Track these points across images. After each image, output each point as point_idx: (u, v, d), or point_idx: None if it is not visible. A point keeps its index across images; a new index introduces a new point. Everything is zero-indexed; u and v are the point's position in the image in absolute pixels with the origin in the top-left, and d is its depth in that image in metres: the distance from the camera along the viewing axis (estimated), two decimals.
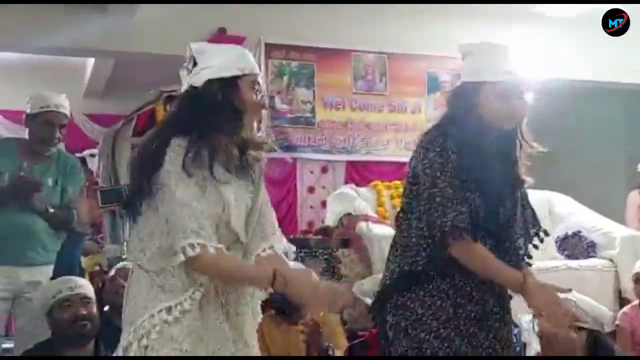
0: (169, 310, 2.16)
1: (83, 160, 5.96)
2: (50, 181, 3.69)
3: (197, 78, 2.25)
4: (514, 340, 3.72)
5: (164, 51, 5.53)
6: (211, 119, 2.22)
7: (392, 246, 2.53)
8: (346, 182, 5.86)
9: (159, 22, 5.51)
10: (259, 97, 2.31)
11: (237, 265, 2.26)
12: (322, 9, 5.88)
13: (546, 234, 2.55)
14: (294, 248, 2.52)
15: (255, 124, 2.33)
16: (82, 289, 3.34)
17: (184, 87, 2.30)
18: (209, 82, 2.23)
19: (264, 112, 2.38)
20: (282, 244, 2.40)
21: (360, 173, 6.11)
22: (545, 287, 2.37)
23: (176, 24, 5.55)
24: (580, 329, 2.83)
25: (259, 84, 2.32)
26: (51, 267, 3.75)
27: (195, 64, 2.27)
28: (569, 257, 5.55)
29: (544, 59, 6.17)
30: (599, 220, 5.77)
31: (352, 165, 6.12)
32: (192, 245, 2.08)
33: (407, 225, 2.45)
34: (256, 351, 2.38)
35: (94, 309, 3.30)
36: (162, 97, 5.27)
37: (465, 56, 2.50)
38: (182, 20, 5.58)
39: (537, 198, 6.10)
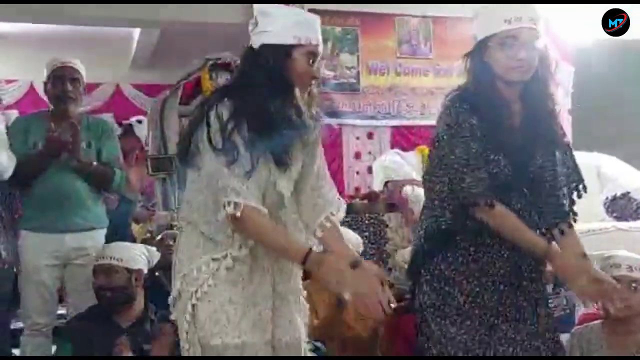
0: (217, 260, 2.20)
1: (130, 127, 6.04)
2: (83, 144, 3.68)
3: (256, 40, 2.24)
4: (564, 303, 3.69)
5: (207, 19, 5.55)
6: (260, 86, 2.20)
7: (423, 208, 2.55)
8: (392, 147, 5.83)
9: None
10: (313, 69, 2.26)
11: (275, 231, 2.22)
12: None
13: (585, 189, 2.47)
14: (344, 206, 2.48)
15: (305, 95, 2.31)
16: (106, 260, 3.35)
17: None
18: (264, 46, 2.21)
19: (314, 83, 2.34)
20: (342, 212, 2.39)
21: (406, 138, 6.09)
22: (571, 255, 2.34)
23: None
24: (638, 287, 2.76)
25: (315, 55, 2.26)
26: (97, 232, 3.77)
27: (256, 24, 2.24)
28: (618, 218, 5.44)
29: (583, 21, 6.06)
30: None
31: (397, 130, 6.10)
32: (231, 203, 2.09)
33: (430, 188, 2.44)
34: (300, 308, 2.41)
35: (119, 278, 3.28)
36: (207, 65, 5.32)
37: (475, 19, 2.45)
38: None
39: (585, 160, 5.93)
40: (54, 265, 3.66)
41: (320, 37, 2.29)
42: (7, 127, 3.89)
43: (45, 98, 4.00)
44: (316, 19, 2.30)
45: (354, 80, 6.12)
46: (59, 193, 3.61)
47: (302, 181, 2.36)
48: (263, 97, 2.19)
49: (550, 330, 2.48)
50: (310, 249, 2.15)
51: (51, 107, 3.84)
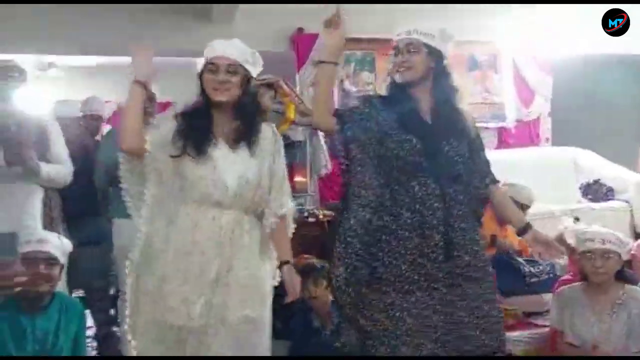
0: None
1: None
2: None
3: None
4: (548, 269, 3.64)
5: (256, 48, 5.58)
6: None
7: None
8: None
9: (251, 25, 5.50)
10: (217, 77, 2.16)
11: None
12: (380, 6, 5.80)
13: (494, 181, 2.35)
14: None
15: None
16: None
17: None
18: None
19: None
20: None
21: None
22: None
23: (265, 26, 5.56)
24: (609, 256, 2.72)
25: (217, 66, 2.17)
26: None
27: None
28: (591, 200, 5.45)
29: (563, 35, 6.00)
30: (616, 170, 5.64)
31: None
32: None
33: None
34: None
35: None
36: (257, 84, 5.36)
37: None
38: (270, 23, 5.60)
39: (564, 153, 6.04)
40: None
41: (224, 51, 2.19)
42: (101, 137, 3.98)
43: None
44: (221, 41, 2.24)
45: (372, 93, 6.12)
46: None
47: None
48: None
49: (489, 294, 2.25)
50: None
51: None
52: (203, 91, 2.18)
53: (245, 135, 2.18)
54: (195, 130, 2.15)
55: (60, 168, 3.21)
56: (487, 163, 2.37)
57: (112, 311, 4.15)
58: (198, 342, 2.10)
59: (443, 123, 2.23)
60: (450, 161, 2.20)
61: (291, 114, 4.23)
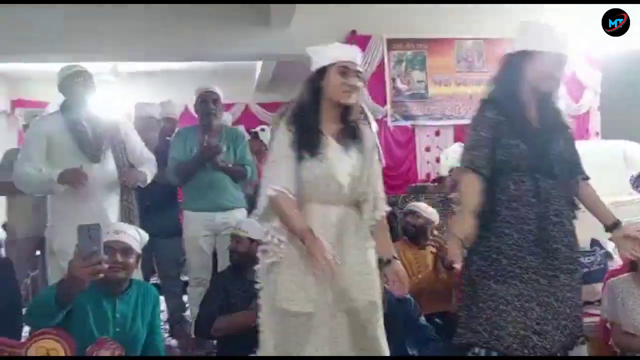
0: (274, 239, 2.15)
1: (256, 134, 6.15)
2: (224, 147, 3.75)
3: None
4: (598, 259, 3.55)
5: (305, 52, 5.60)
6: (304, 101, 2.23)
7: None
8: (455, 142, 5.73)
9: (307, 29, 5.53)
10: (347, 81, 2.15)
11: (289, 212, 2.10)
12: (429, 7, 5.73)
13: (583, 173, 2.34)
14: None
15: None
16: (236, 230, 3.31)
17: None
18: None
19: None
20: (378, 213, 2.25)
21: (466, 134, 5.95)
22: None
23: (319, 29, 5.56)
24: None
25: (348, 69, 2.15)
26: (237, 211, 3.80)
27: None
28: None
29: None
30: None
31: (459, 128, 5.98)
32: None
33: None
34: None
35: (243, 245, 3.22)
36: None
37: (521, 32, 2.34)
38: (324, 26, 5.59)
39: (614, 145, 5.82)
40: (208, 235, 3.76)
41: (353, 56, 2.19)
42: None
43: (195, 115, 4.15)
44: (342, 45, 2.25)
45: (423, 91, 6.04)
46: (209, 184, 3.71)
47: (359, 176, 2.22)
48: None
49: (578, 284, 2.26)
50: (311, 231, 2.04)
51: (200, 121, 3.97)
52: (317, 91, 2.17)
53: (353, 134, 2.20)
54: (310, 131, 2.14)
55: (152, 167, 3.36)
56: (578, 156, 2.35)
57: (183, 297, 4.27)
58: (327, 330, 2.12)
59: (548, 123, 2.26)
60: (550, 158, 2.22)
61: None
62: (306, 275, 2.09)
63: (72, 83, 3.15)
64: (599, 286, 3.25)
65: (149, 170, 3.32)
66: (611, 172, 5.34)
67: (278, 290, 2.11)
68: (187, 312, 4.21)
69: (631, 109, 6.39)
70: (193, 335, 3.58)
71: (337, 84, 2.14)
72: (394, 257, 2.22)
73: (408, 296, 2.86)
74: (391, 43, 5.85)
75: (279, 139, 2.15)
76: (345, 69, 2.14)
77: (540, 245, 2.17)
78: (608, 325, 2.83)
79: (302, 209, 2.13)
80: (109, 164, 3.18)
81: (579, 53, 6.07)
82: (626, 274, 2.80)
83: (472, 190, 2.20)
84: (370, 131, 2.27)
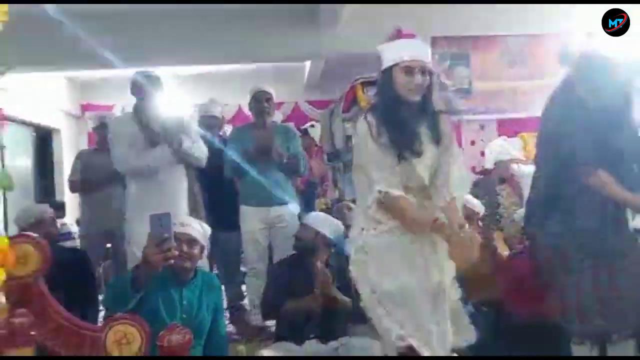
0: (374, 230, 2.16)
1: (306, 130, 6.19)
2: (277, 143, 3.79)
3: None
4: None
5: (357, 50, 5.57)
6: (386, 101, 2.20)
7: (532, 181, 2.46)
8: (499, 135, 5.64)
9: (353, 28, 5.52)
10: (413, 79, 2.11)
11: (410, 208, 2.13)
12: (473, 5, 5.62)
13: None
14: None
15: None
16: (302, 221, 3.40)
17: None
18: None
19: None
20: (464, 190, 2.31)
21: (509, 128, 5.84)
22: None
23: (366, 29, 5.50)
24: None
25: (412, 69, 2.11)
26: (291, 205, 3.84)
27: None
28: None
29: None
30: None
31: (502, 122, 5.91)
32: (381, 192, 2.08)
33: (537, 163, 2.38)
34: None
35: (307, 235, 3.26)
36: (359, 82, 5.32)
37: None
38: (370, 25, 5.55)
39: None
40: (264, 228, 3.83)
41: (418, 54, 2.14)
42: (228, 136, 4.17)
43: (249, 114, 4.22)
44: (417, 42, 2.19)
45: (467, 87, 5.95)
46: (264, 179, 3.75)
47: (439, 169, 2.23)
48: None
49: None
50: (437, 218, 2.08)
51: (254, 119, 4.03)
52: (391, 91, 2.15)
53: (431, 125, 2.19)
54: (406, 132, 2.14)
55: (196, 146, 3.47)
56: None
57: (242, 287, 4.34)
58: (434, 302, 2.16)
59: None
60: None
61: None
62: (400, 253, 2.13)
63: (143, 86, 3.38)
64: None
65: (191, 145, 3.45)
66: None
67: (372, 270, 2.13)
68: (245, 301, 4.29)
69: None
70: (252, 323, 3.73)
71: (402, 84, 2.13)
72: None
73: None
74: (436, 41, 5.78)
75: (371, 140, 2.12)
76: (408, 68, 2.12)
77: (601, 232, 2.25)
78: None
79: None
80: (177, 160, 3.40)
81: None
82: None
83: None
84: (446, 121, 2.24)
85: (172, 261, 2.25)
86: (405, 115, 2.14)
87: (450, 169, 2.22)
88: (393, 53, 2.15)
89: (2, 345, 1.59)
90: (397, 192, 2.08)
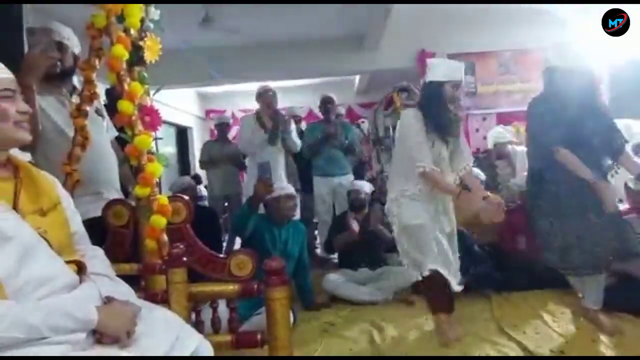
0: (405, 192, 2.13)
1: (358, 125, 6.09)
2: (339, 133, 3.82)
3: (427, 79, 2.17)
4: None
5: (392, 66, 5.40)
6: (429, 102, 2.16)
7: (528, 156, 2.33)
8: (497, 124, 5.38)
9: (390, 49, 5.32)
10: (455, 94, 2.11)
11: (442, 180, 2.11)
12: (477, 26, 5.33)
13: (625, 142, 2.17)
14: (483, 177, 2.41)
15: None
16: (353, 187, 3.42)
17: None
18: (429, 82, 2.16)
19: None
20: (471, 163, 2.23)
21: (505, 119, 5.55)
22: None
23: (400, 48, 5.34)
24: None
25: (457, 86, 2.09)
26: (348, 175, 3.85)
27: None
28: None
29: None
30: None
31: (500, 115, 5.63)
32: (420, 167, 2.05)
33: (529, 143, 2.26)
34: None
35: (357, 198, 3.33)
36: (395, 89, 5.23)
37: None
38: (403, 46, 5.36)
39: (620, 123, 5.15)
40: (329, 193, 3.85)
41: (459, 75, 2.10)
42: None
43: (317, 114, 4.20)
44: (459, 65, 2.12)
45: (473, 90, 5.67)
46: (329, 158, 3.80)
47: (454, 150, 2.22)
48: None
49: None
50: (462, 190, 2.04)
51: (323, 117, 4.00)
52: (439, 97, 2.12)
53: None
54: (441, 129, 2.14)
55: (294, 136, 3.63)
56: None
57: (315, 232, 4.37)
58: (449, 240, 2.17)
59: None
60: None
61: None
62: (422, 207, 2.11)
63: (265, 97, 3.54)
64: None
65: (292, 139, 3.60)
66: None
67: (403, 214, 2.14)
68: (317, 241, 4.33)
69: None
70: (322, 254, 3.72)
71: (450, 96, 2.10)
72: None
73: (464, 230, 2.78)
74: (450, 57, 5.52)
75: (419, 127, 2.09)
76: (455, 84, 2.11)
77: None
78: None
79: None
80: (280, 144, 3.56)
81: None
82: None
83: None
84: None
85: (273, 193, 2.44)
86: (445, 116, 2.12)
87: (462, 149, 2.21)
88: (446, 70, 2.09)
89: (167, 266, 1.65)
90: (432, 167, 2.06)
